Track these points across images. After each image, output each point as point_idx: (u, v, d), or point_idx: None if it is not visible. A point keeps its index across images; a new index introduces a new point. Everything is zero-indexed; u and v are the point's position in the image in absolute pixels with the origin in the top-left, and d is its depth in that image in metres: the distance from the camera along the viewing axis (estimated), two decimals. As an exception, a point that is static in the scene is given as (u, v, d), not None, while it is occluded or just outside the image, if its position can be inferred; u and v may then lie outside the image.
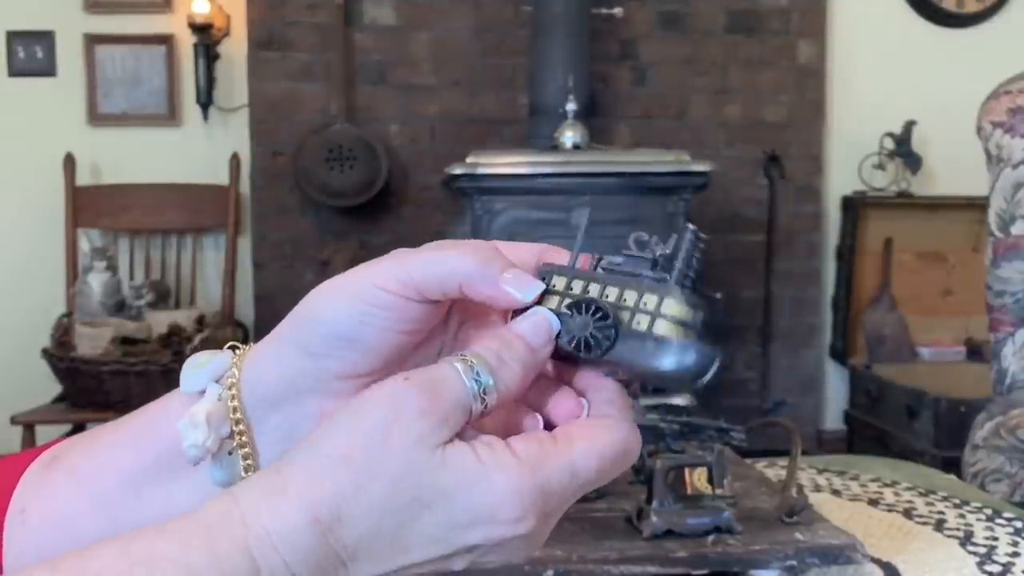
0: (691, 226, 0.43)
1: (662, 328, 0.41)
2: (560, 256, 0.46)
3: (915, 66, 3.67)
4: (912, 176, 3.59)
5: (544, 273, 0.44)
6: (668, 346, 0.41)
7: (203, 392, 0.47)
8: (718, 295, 3.12)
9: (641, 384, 0.45)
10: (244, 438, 0.46)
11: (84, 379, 2.79)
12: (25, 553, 0.49)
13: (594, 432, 0.42)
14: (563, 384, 0.46)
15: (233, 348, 0.48)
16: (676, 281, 0.42)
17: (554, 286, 0.44)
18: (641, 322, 0.41)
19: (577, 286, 0.44)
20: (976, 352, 3.49)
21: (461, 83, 3.51)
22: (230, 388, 0.46)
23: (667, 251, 0.43)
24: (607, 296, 0.43)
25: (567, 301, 0.44)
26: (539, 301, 0.44)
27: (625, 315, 0.42)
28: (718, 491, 0.98)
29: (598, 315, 0.42)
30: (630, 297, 0.42)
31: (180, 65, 3.52)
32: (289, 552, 0.39)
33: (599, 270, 0.44)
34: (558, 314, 0.43)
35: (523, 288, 0.43)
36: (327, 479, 0.40)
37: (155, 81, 3.52)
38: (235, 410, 0.46)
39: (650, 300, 0.42)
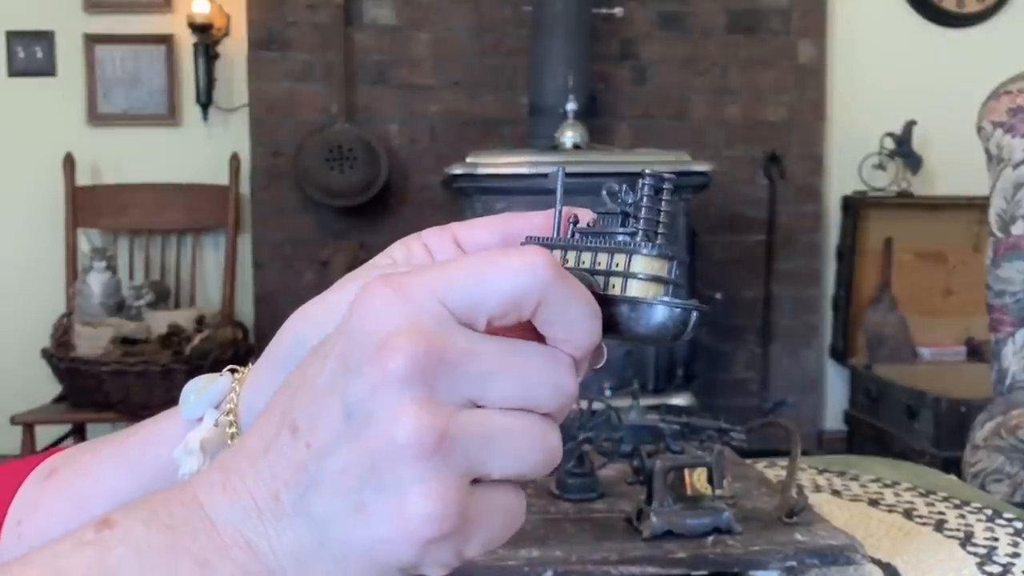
0: (649, 171, 0.41)
1: (634, 288, 0.39)
2: (527, 223, 0.44)
3: (915, 66, 3.66)
4: (912, 176, 3.59)
5: None
6: (642, 306, 0.38)
7: (202, 418, 0.47)
8: (718, 295, 3.13)
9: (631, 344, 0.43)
10: None
11: (84, 379, 2.79)
12: None
13: None
14: None
15: (233, 371, 0.48)
16: (642, 236, 0.39)
17: None
18: (615, 285, 0.39)
19: (556, 256, 0.41)
20: (976, 352, 3.49)
21: (461, 83, 3.51)
22: (228, 414, 0.47)
23: (636, 199, 0.41)
24: (582, 263, 0.41)
25: None
26: None
27: (599, 280, 0.40)
28: (718, 492, 0.98)
29: None
30: (603, 259, 0.40)
31: (180, 65, 3.52)
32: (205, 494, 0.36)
33: (575, 235, 0.42)
34: None
35: None
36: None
37: (155, 81, 3.52)
38: (233, 437, 0.46)
39: (620, 260, 0.39)
